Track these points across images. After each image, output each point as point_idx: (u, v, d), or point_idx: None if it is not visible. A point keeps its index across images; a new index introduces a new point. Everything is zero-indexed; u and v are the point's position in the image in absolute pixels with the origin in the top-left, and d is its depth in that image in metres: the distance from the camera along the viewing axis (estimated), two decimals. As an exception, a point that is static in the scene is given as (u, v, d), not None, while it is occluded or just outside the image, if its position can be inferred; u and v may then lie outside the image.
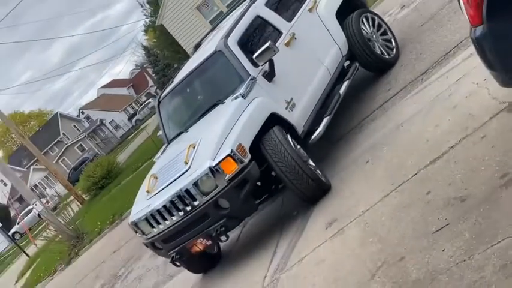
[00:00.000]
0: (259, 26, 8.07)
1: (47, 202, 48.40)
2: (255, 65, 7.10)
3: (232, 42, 7.45)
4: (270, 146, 6.18)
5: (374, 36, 8.68)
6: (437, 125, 5.55)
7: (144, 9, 48.37)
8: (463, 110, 5.36)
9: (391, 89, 7.64)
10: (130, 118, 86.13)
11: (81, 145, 74.27)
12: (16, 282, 23.76)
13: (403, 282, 3.72)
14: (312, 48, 8.20)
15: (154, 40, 73.82)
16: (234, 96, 6.88)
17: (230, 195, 6.02)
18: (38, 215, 45.62)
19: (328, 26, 8.50)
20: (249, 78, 6.99)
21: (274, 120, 6.58)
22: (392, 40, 8.94)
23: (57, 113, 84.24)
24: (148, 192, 6.95)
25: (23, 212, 50.74)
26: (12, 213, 60.35)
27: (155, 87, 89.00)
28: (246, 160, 6.03)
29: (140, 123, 77.81)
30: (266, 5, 8.26)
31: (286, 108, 7.03)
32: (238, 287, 6.25)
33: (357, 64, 8.45)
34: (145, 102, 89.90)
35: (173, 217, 6.33)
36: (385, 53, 8.66)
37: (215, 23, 11.21)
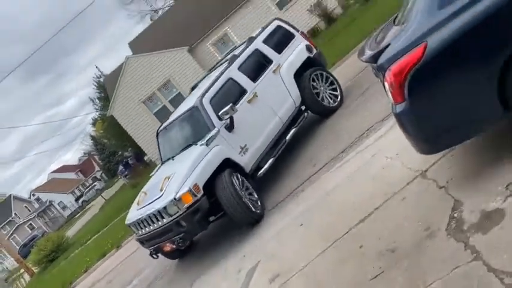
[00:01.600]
0: (230, 85, 9.09)
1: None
2: (220, 119, 8.28)
3: (206, 100, 8.64)
4: (219, 186, 7.46)
5: (322, 88, 9.74)
6: (360, 192, 5.58)
7: (95, 104, 47.93)
8: (381, 180, 5.43)
9: (316, 165, 7.71)
10: (77, 199, 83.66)
11: (31, 224, 70.97)
12: None
13: (347, 325, 3.58)
14: (270, 103, 9.16)
15: (101, 131, 72.95)
16: (201, 142, 8.09)
17: (187, 218, 7.30)
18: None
19: (286, 84, 9.48)
20: (215, 130, 8.18)
21: (228, 162, 7.88)
22: (338, 89, 9.99)
23: (10, 195, 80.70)
24: (138, 204, 8.45)
25: (-26, 285, 47.02)
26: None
27: (101, 171, 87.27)
28: (199, 195, 7.33)
29: (86, 203, 75.55)
30: (239, 68, 9.29)
31: (240, 153, 8.25)
32: None
33: (306, 114, 9.68)
34: (91, 185, 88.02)
35: (150, 226, 7.79)
36: (330, 102, 9.74)
37: (214, 66, 11.92)
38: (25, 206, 77.93)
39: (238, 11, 27.48)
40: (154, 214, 7.59)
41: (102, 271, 14.34)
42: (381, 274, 3.78)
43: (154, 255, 8.46)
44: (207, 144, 7.95)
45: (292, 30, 10.32)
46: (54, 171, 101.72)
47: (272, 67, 9.54)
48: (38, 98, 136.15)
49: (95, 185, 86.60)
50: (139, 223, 8.01)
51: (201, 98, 8.67)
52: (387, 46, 3.94)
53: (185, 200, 7.23)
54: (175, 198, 7.24)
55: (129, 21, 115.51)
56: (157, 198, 7.71)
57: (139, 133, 26.72)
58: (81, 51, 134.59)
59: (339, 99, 9.82)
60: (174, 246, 7.83)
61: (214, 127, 8.24)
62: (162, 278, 8.68)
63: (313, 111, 9.78)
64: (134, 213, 8.30)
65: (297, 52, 9.89)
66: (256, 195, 7.91)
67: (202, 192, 7.37)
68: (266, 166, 8.52)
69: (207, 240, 8.60)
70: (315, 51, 10.14)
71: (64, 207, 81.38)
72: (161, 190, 7.77)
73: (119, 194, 41.01)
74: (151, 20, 50.77)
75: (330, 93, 9.81)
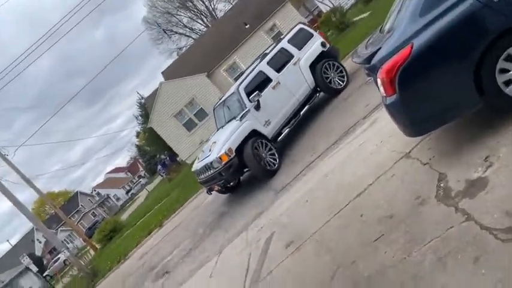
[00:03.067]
0: (260, 76, 9.56)
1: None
2: (250, 101, 8.95)
3: (242, 88, 9.32)
4: (245, 150, 8.21)
5: (332, 74, 9.87)
6: (354, 173, 5.19)
7: (138, 120, 47.74)
8: (371, 161, 5.04)
9: (314, 154, 7.35)
10: (127, 192, 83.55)
11: (93, 212, 70.34)
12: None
13: (359, 279, 3.18)
14: (289, 88, 9.53)
15: (143, 141, 72.91)
16: (237, 118, 8.86)
17: (224, 170, 8.16)
18: (64, 262, 42.43)
19: (303, 73, 9.75)
20: (246, 109, 8.89)
21: (255, 132, 8.59)
22: (345, 75, 9.99)
23: (77, 191, 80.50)
24: (198, 159, 9.62)
25: (53, 260, 46.91)
26: (45, 262, 55.52)
27: (144, 171, 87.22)
28: (232, 156, 8.14)
29: (134, 195, 75.28)
30: (267, 63, 9.74)
31: (264, 125, 8.87)
32: None
33: (317, 94, 9.95)
34: (137, 182, 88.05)
35: (204, 174, 8.80)
36: (338, 84, 9.86)
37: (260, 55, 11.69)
38: (89, 199, 77.38)
39: (243, 44, 27.20)
40: (205, 167, 8.68)
41: (148, 245, 13.98)
42: (383, 236, 3.41)
43: (208, 192, 9.64)
44: (240, 120, 8.70)
45: (311, 30, 10.59)
46: (109, 172, 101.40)
47: (293, 60, 9.83)
48: (94, 118, 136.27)
49: (140, 181, 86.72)
50: (198, 172, 9.14)
51: (238, 86, 9.47)
52: (378, 49, 3.61)
53: (223, 158, 8.13)
54: (217, 157, 8.20)
55: (160, 57, 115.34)
56: (207, 157, 8.77)
57: (172, 139, 26.39)
58: (125, 81, 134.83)
59: (345, 82, 9.91)
60: (220, 188, 9.11)
61: (246, 107, 8.93)
62: (196, 248, 8.32)
63: (324, 92, 10.02)
64: (196, 165, 9.48)
65: (313, 48, 10.04)
66: (276, 154, 8.54)
67: (234, 153, 8.18)
68: (283, 135, 9.13)
69: (229, 218, 8.22)
70: (328, 46, 10.22)
71: (118, 199, 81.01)
72: (210, 151, 8.83)
73: (159, 187, 40.62)
74: (177, 55, 50.65)
75: (339, 78, 9.91)
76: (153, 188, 48.99)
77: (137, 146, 79.54)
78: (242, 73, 11.22)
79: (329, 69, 9.86)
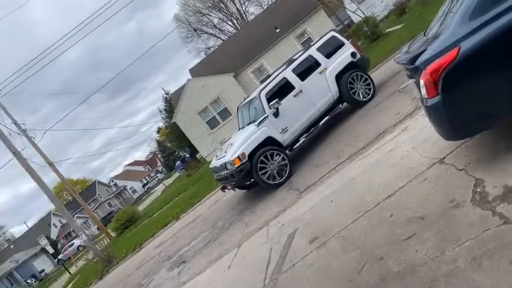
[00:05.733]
0: (284, 83, 9.55)
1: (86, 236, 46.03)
2: (270, 108, 9.05)
3: (263, 94, 9.35)
4: (254, 158, 8.42)
5: (358, 86, 9.75)
6: (383, 175, 5.16)
7: (162, 114, 48.36)
8: (402, 166, 5.02)
9: (340, 158, 7.34)
10: (144, 186, 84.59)
11: (109, 202, 71.35)
12: (60, 292, 21.44)
13: (387, 274, 3.18)
14: (311, 97, 9.48)
15: (164, 137, 73.80)
16: (255, 123, 8.99)
17: (236, 173, 8.43)
18: (78, 247, 43.25)
19: (329, 82, 9.68)
20: (265, 115, 9.02)
21: (270, 139, 8.76)
22: (371, 87, 9.86)
23: (95, 180, 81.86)
24: (216, 157, 9.86)
25: (67, 245, 47.81)
26: (59, 245, 56.64)
27: (162, 166, 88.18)
28: (244, 161, 8.39)
29: (150, 189, 76.15)
30: (292, 71, 9.66)
31: (281, 132, 8.97)
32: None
33: (341, 106, 9.84)
34: (155, 176, 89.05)
35: (219, 173, 9.18)
36: (363, 96, 9.75)
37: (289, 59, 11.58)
38: (106, 189, 78.61)
39: (272, 48, 27.33)
40: (221, 166, 8.97)
41: (164, 236, 14.15)
42: (414, 236, 3.41)
43: (223, 190, 9.76)
44: (258, 125, 8.85)
45: (343, 39, 10.32)
46: (128, 165, 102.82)
47: (320, 69, 9.75)
48: (118, 110, 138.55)
49: (157, 176, 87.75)
50: (215, 170, 9.52)
51: (260, 91, 9.50)
52: (423, 51, 3.62)
53: (235, 162, 8.39)
54: (231, 159, 8.48)
55: (189, 56, 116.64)
56: (223, 157, 9.06)
57: (194, 136, 26.68)
58: (151, 76, 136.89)
59: (370, 94, 9.80)
60: (232, 187, 9.22)
61: (265, 113, 9.04)
62: (215, 241, 8.39)
63: (348, 103, 9.96)
64: (213, 163, 9.81)
65: (342, 57, 9.91)
66: (288, 165, 8.59)
67: (247, 158, 8.42)
68: (298, 143, 9.16)
69: (250, 213, 8.28)
70: (358, 56, 10.04)
71: (134, 191, 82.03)
72: (225, 152, 9.14)
73: (176, 182, 41.00)
74: (205, 54, 51.20)
75: (364, 90, 9.80)
76: (170, 183, 49.48)
77: (157, 141, 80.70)
78: (268, 76, 11.43)
79: (356, 81, 9.75)
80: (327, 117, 9.56)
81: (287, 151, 9.04)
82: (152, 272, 10.05)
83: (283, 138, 8.97)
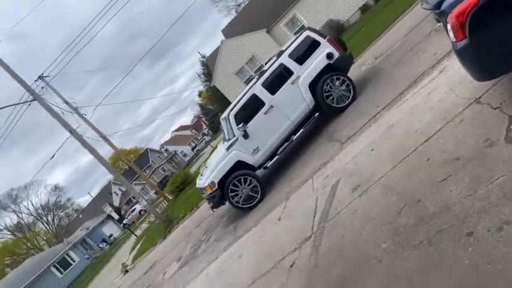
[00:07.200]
0: (253, 100, 9.03)
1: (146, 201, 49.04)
2: (239, 130, 8.81)
3: (232, 115, 9.03)
4: (225, 186, 8.64)
5: (336, 90, 8.95)
6: (421, 120, 5.23)
7: (201, 78, 48.93)
8: (439, 109, 5.05)
9: (379, 106, 7.38)
10: (193, 149, 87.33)
11: (163, 168, 74.59)
12: (130, 252, 23.35)
13: (424, 215, 3.40)
14: (284, 111, 8.99)
15: (205, 100, 74.77)
16: (226, 146, 8.97)
17: (210, 199, 8.99)
18: (139, 212, 46.28)
19: (302, 92, 9.00)
20: (234, 138, 8.89)
21: (240, 163, 8.77)
22: (351, 88, 9.00)
23: (147, 148, 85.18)
24: (200, 175, 9.91)
25: (130, 210, 51.25)
26: (123, 212, 60.71)
27: (207, 128, 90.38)
28: (214, 189, 8.71)
29: (199, 151, 78.68)
30: (262, 85, 9.07)
31: (252, 153, 8.89)
32: (289, 238, 5.70)
33: (315, 115, 9.17)
34: (202, 139, 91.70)
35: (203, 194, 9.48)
36: (342, 101, 8.98)
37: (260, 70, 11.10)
38: (158, 156, 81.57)
39: (303, -3, 26.52)
40: (200, 189, 9.54)
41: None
42: (449, 177, 3.57)
43: (212, 210, 9.91)
44: (227, 149, 8.87)
45: (319, 38, 9.14)
46: (175, 130, 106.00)
47: (291, 79, 8.99)
48: (158, 79, 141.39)
49: (204, 138, 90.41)
50: (199, 190, 9.75)
51: (228, 112, 9.15)
52: (449, -6, 3.59)
53: (207, 190, 8.76)
54: (203, 187, 8.92)
55: (219, 15, 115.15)
56: (200, 181, 9.46)
57: (234, 97, 27.02)
58: (186, 41, 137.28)
59: (350, 97, 8.95)
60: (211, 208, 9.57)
61: (234, 136, 8.92)
62: (264, 196, 8.81)
63: (325, 111, 9.17)
64: (198, 182, 9.82)
65: (317, 61, 8.98)
66: (259, 188, 8.65)
67: (216, 186, 8.69)
68: (270, 163, 9.13)
69: (294, 168, 8.56)
70: (336, 56, 9.03)
71: (184, 155, 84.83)
72: (201, 175, 9.70)
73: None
74: (235, 12, 50.35)
75: (343, 94, 8.94)
76: (217, 144, 50.61)
77: (200, 104, 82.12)
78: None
79: (332, 85, 8.91)
80: (301, 129, 9.09)
81: (262, 168, 9.12)
82: (210, 229, 10.80)
83: (255, 160, 8.92)
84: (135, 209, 48.62)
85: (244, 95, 9.16)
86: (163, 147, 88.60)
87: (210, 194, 8.78)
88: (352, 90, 9.01)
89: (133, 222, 39.39)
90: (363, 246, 3.79)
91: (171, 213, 18.93)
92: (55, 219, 73.23)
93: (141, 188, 63.69)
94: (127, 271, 17.50)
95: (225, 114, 9.43)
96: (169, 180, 27.70)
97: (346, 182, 5.58)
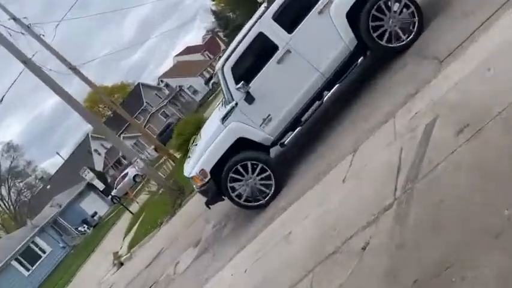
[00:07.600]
0: (260, 43, 8.78)
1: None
2: (239, 90, 8.59)
3: (227, 68, 8.82)
4: (222, 175, 8.59)
5: (391, 21, 8.51)
6: None
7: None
8: None
9: (492, 6, 6.99)
10: (206, 82, 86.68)
11: (164, 112, 75.54)
12: (124, 237, 24.36)
13: None
14: (308, 58, 8.71)
15: (222, 4, 73.84)
16: (220, 116, 8.90)
17: (202, 193, 9.27)
18: (134, 178, 47.78)
19: (336, 25, 8.61)
20: (232, 103, 8.72)
21: (242, 141, 8.69)
22: (415, 17, 8.53)
23: (138, 83, 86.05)
24: (189, 158, 10.05)
25: (120, 176, 52.63)
26: (110, 179, 62.85)
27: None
28: (206, 180, 8.69)
29: (216, 85, 78.49)
30: (273, 18, 8.72)
31: (261, 125, 8.72)
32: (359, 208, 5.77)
33: (358, 61, 8.82)
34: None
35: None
36: (401, 37, 8.57)
37: None
38: (155, 94, 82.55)
39: None
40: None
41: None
42: None
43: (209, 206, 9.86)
44: (223, 121, 8.75)
45: None
46: (179, 54, 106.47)
47: (319, 6, 8.63)
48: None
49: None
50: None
51: (223, 63, 8.90)
52: None
53: (196, 181, 8.88)
54: (189, 176, 9.06)
55: None
56: (187, 166, 9.57)
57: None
58: None
59: (415, 30, 8.53)
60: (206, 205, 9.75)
61: (233, 100, 8.77)
62: (323, 142, 8.90)
63: (375, 52, 9.02)
64: (185, 169, 9.76)
65: None
66: (272, 177, 8.73)
67: (209, 176, 8.68)
68: (288, 139, 9.07)
69: (368, 99, 8.57)
70: None
71: (194, 92, 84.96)
72: (189, 157, 9.91)
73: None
74: None
75: (404, 24, 8.57)
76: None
77: (214, 12, 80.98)
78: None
79: (386, 12, 8.43)
80: (337, 85, 8.88)
81: (279, 146, 9.19)
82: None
83: (265, 134, 8.79)
84: (127, 174, 50.16)
85: (245, 34, 8.89)
86: (162, 82, 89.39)
87: (201, 186, 8.89)
88: (417, 20, 8.57)
89: (126, 193, 40.75)
90: (474, 215, 3.82)
91: (179, 178, 19.41)
92: (11, 193, 76.81)
93: (133, 143, 65.52)
94: (121, 264, 18.47)
95: (218, 66, 9.24)
96: (175, 129, 28.01)
97: (447, 121, 5.54)
